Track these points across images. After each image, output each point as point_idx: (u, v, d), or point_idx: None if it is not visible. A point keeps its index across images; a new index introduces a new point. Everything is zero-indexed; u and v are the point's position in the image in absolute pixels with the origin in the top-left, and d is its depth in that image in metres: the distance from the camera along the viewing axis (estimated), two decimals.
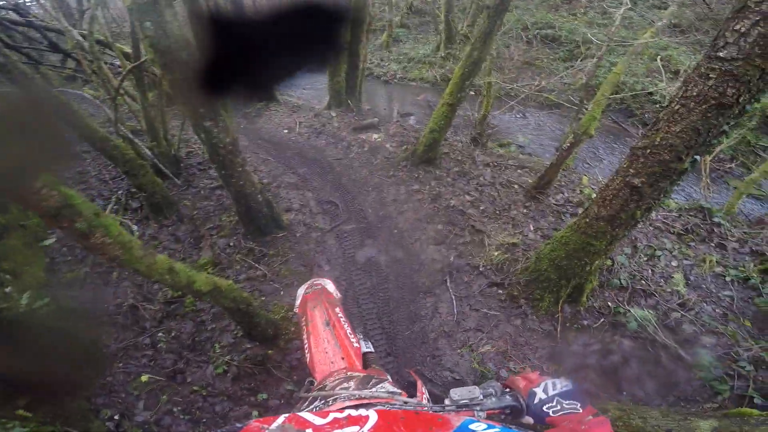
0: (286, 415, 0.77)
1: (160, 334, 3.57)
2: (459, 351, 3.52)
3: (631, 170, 2.61)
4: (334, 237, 4.58)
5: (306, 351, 1.56)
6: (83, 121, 4.02)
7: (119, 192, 5.60)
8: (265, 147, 6.53)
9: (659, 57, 8.16)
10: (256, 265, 4.18)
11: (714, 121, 2.27)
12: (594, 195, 4.90)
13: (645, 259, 4.21)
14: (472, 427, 0.71)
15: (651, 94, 8.49)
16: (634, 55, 7.86)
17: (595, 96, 5.53)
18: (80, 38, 5.24)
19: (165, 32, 2.86)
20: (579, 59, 10.43)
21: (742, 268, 4.12)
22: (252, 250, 4.35)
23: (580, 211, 4.74)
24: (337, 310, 1.73)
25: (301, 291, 1.93)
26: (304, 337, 1.63)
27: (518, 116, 8.68)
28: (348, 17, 0.49)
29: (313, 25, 0.48)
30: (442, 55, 11.51)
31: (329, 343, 1.54)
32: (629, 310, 3.63)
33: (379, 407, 0.88)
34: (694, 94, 2.26)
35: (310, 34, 0.49)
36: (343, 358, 1.48)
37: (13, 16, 7.15)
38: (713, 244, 4.48)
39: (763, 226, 4.85)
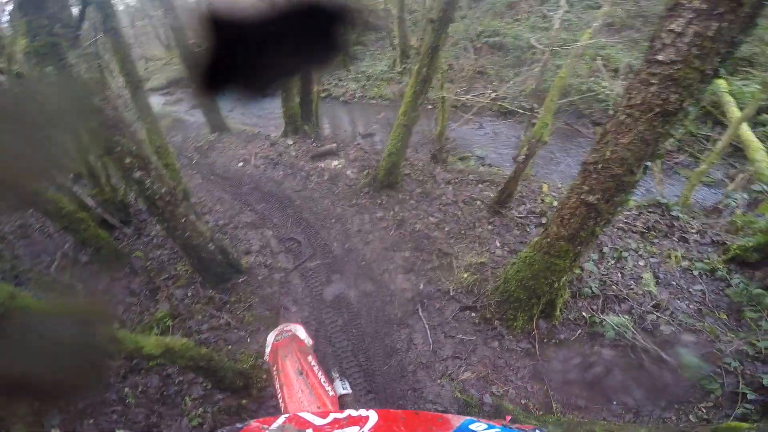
0: (287, 415, 0.78)
1: (126, 389, 3.39)
2: (439, 381, 3.37)
3: (585, 187, 2.56)
4: (298, 276, 4.36)
5: (280, 401, 1.51)
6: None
7: (66, 246, 5.20)
8: (219, 183, 6.23)
9: (599, 57, 8.45)
10: (218, 314, 3.94)
11: (660, 130, 2.24)
12: (555, 203, 4.90)
13: (613, 262, 4.20)
14: (472, 427, 0.72)
15: (596, 93, 8.76)
16: (576, 57, 8.12)
17: (545, 101, 5.61)
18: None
19: (71, 77, 2.58)
20: (526, 65, 10.74)
21: (708, 260, 4.17)
22: (212, 298, 4.09)
23: (544, 221, 4.72)
24: (310, 358, 1.69)
25: (270, 338, 1.87)
26: (277, 387, 1.58)
27: (475, 127, 8.73)
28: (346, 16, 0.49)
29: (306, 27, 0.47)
30: (399, 70, 11.55)
31: (303, 393, 1.49)
32: (604, 319, 3.57)
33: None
34: (638, 102, 2.22)
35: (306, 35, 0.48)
36: (318, 407, 1.44)
37: None
38: (675, 239, 4.54)
39: (718, 214, 4.99)
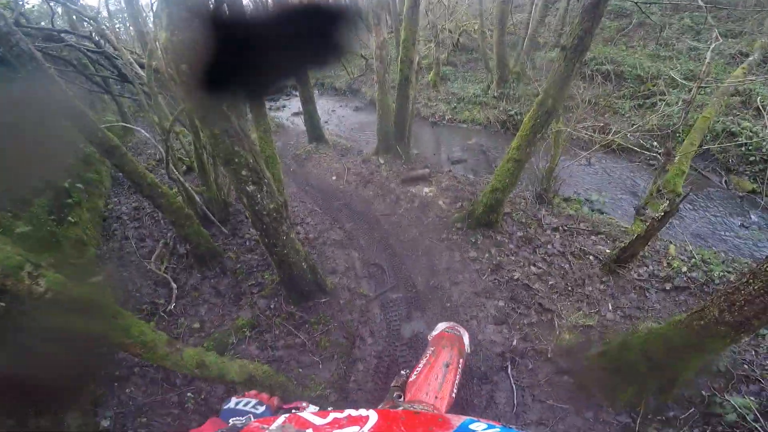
0: (286, 415, 0.79)
1: (189, 393, 3.45)
2: None
3: None
4: (378, 306, 4.31)
5: (413, 372, 1.70)
6: (132, 165, 4.09)
7: (169, 234, 5.60)
8: (312, 195, 6.46)
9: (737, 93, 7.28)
10: (296, 333, 3.98)
11: None
12: (685, 269, 4.28)
13: (747, 338, 3.53)
14: (472, 427, 0.72)
15: (734, 135, 7.62)
16: (723, 95, 7.13)
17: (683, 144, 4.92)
18: (139, 70, 5.37)
19: None
20: (646, 97, 9.77)
21: None
22: (293, 314, 4.19)
23: (668, 287, 4.13)
24: (461, 360, 1.86)
25: (441, 326, 2.13)
26: (421, 362, 1.79)
27: (583, 164, 8.00)
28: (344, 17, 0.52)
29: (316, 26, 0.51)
30: (495, 94, 11.21)
31: (436, 380, 1.64)
32: (728, 400, 3.11)
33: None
34: None
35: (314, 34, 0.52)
36: (436, 398, 1.57)
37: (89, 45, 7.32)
38: None
39: None
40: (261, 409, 1.03)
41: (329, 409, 0.86)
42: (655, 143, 7.75)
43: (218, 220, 5.71)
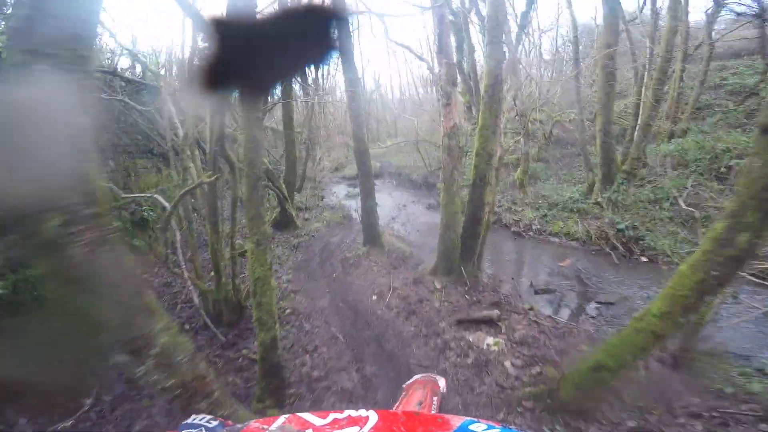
0: (287, 415, 0.83)
1: None
2: None
3: None
4: None
5: None
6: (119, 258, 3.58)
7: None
8: (343, 315, 5.22)
9: None
10: None
11: None
12: None
13: None
14: (471, 427, 0.75)
15: None
16: None
17: None
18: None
19: None
20: None
21: None
22: None
23: None
24: (435, 398, 1.91)
25: (417, 377, 2.24)
26: (397, 404, 1.89)
27: (737, 303, 5.14)
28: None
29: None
30: (597, 200, 9.36)
31: None
32: None
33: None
34: None
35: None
36: None
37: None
38: None
39: None
40: (214, 423, 0.92)
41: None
42: None
43: (228, 322, 4.97)
